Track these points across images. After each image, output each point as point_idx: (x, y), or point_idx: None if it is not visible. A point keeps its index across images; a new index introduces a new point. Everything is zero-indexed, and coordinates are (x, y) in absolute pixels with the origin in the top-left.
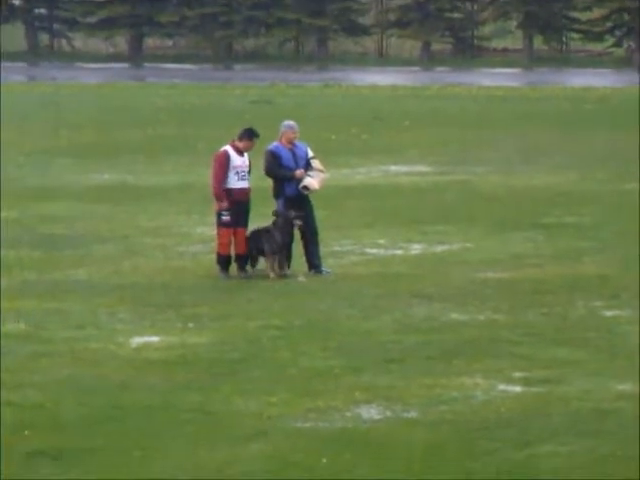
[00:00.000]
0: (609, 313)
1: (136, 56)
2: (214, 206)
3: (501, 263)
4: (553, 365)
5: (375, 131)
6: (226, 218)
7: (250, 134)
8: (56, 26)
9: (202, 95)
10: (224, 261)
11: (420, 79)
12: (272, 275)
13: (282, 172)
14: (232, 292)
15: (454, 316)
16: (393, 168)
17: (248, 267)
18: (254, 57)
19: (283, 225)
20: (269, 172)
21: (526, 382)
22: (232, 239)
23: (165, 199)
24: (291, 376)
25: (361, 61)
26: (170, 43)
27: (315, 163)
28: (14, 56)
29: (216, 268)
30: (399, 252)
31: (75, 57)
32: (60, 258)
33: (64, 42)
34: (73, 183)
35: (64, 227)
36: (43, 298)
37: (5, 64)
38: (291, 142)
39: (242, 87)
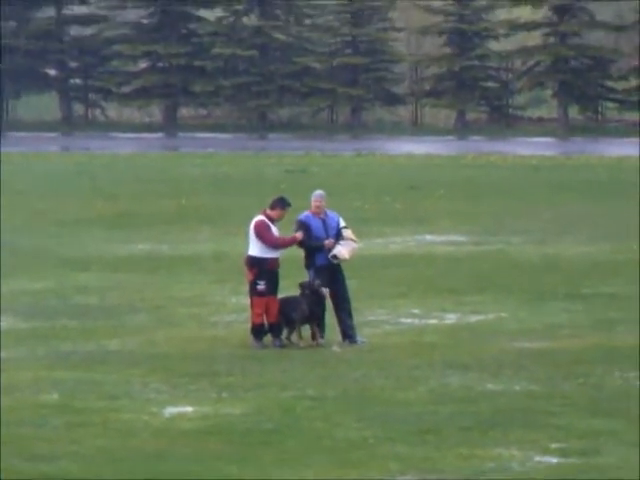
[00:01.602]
0: None
1: (170, 126)
2: (247, 275)
3: (536, 333)
4: (589, 436)
5: (409, 200)
6: (261, 287)
7: (283, 203)
8: (90, 96)
9: (236, 164)
10: (258, 330)
11: (455, 148)
12: (301, 344)
13: (311, 242)
14: (266, 362)
15: (489, 386)
16: (428, 237)
17: (282, 337)
18: (288, 126)
19: (310, 295)
20: (299, 242)
21: (562, 453)
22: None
23: (199, 269)
24: (326, 447)
25: (395, 130)
26: (204, 112)
27: (347, 232)
28: (48, 126)
29: (250, 338)
30: (434, 322)
31: (109, 127)
32: (94, 328)
33: (98, 112)
34: (107, 253)
35: (98, 297)
36: (77, 368)
37: (40, 134)
38: (320, 211)
39: (276, 156)
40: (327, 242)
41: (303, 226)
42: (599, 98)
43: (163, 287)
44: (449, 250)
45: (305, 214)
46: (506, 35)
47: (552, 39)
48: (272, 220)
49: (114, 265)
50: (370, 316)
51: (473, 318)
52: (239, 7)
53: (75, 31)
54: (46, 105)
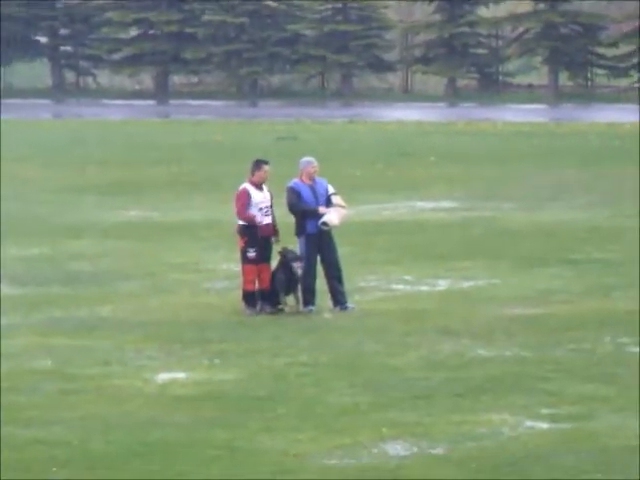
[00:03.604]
0: (637, 349)
1: (161, 93)
2: (238, 243)
3: (528, 299)
4: (581, 401)
5: (401, 167)
6: (252, 255)
7: (258, 164)
8: (82, 63)
9: (227, 132)
10: (250, 297)
11: (445, 115)
12: (286, 309)
13: (305, 207)
14: (258, 328)
15: (481, 352)
16: (419, 204)
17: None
18: (279, 93)
19: (284, 263)
20: (292, 208)
21: (554, 418)
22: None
23: (191, 235)
24: (318, 413)
25: (386, 97)
26: (195, 80)
27: (336, 199)
28: (40, 93)
29: (242, 304)
30: (425, 288)
31: (100, 94)
32: (86, 295)
33: (90, 79)
34: (99, 220)
35: (90, 264)
36: (70, 335)
37: (31, 101)
38: (311, 178)
39: (267, 123)
40: (321, 208)
41: (294, 193)
42: (589, 65)
43: (155, 254)
44: (441, 216)
45: (294, 181)
46: (496, 2)
47: (542, 5)
48: (258, 185)
49: (106, 232)
50: (361, 282)
51: (465, 284)
52: None
53: None
54: (37, 72)
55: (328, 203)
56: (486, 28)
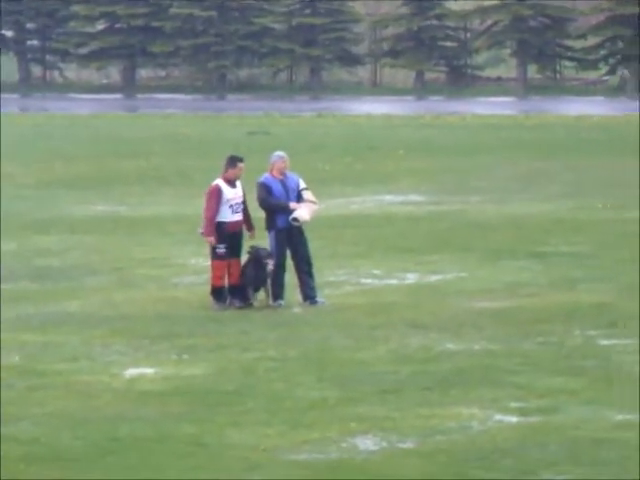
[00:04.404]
0: (606, 342)
1: (129, 87)
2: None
3: (496, 292)
4: (549, 394)
5: (369, 160)
6: (221, 251)
7: (233, 161)
8: (48, 57)
9: (196, 125)
10: (218, 293)
11: (414, 108)
12: (256, 303)
13: (276, 203)
14: (227, 323)
15: (450, 346)
16: (387, 197)
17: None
18: (247, 87)
19: (256, 261)
20: (263, 204)
21: (522, 412)
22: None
23: (159, 230)
24: (286, 407)
25: (355, 90)
26: (163, 73)
27: (307, 194)
28: (6, 87)
29: (210, 299)
30: (394, 282)
31: (68, 88)
32: (54, 290)
33: (56, 73)
34: (66, 215)
35: (58, 259)
36: (38, 331)
37: None
38: (282, 172)
39: (236, 117)
40: (292, 204)
41: (264, 188)
42: (557, 57)
43: (123, 248)
44: (409, 210)
45: (265, 176)
46: None
47: None
48: (231, 182)
49: (74, 227)
50: (330, 276)
51: (433, 278)
52: None
53: None
54: (4, 67)
55: (299, 198)
56: (454, 21)
